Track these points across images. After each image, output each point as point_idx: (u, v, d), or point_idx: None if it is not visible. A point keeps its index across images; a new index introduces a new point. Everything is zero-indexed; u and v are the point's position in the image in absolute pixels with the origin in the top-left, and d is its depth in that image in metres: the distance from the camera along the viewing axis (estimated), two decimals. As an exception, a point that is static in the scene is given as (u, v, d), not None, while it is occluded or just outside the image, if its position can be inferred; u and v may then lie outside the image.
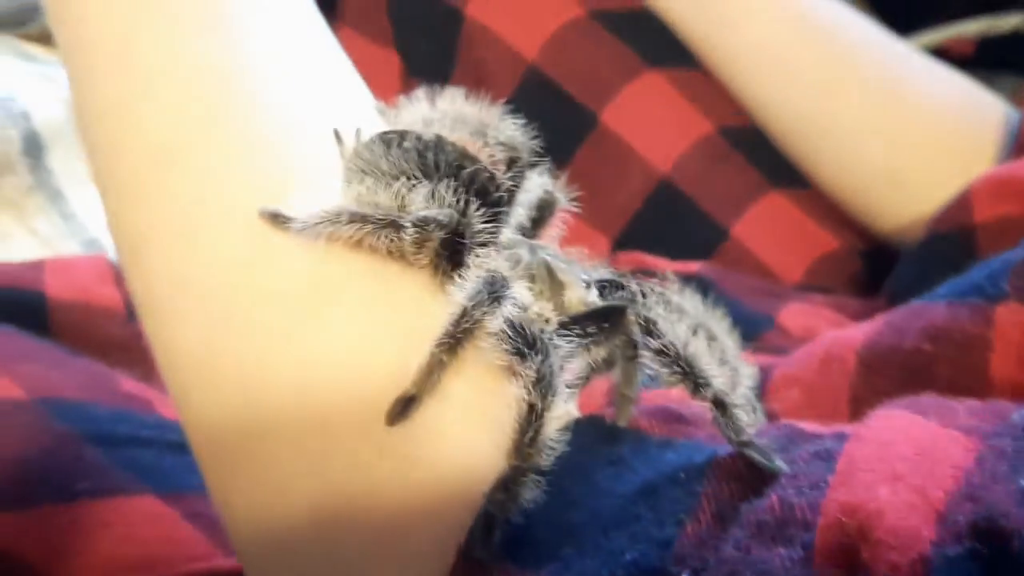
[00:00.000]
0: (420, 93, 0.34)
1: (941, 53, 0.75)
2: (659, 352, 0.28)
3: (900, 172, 0.63)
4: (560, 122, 0.69)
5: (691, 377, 0.28)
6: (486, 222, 0.30)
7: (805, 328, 0.59)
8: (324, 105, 0.34)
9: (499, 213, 0.30)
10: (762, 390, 0.48)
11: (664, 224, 0.67)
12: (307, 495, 0.29)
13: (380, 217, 0.28)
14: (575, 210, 0.34)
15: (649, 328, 0.28)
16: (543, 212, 0.33)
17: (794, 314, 0.60)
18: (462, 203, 0.29)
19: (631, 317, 0.29)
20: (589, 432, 0.30)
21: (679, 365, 0.28)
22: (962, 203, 0.54)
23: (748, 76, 0.67)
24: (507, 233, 0.31)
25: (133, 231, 0.32)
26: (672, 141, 0.68)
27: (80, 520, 0.40)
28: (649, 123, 0.68)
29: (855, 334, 0.46)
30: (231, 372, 0.30)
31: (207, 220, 0.31)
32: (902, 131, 0.63)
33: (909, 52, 0.66)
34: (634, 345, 0.29)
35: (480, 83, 0.71)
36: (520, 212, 0.32)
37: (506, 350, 0.28)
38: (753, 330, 0.59)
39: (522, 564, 0.26)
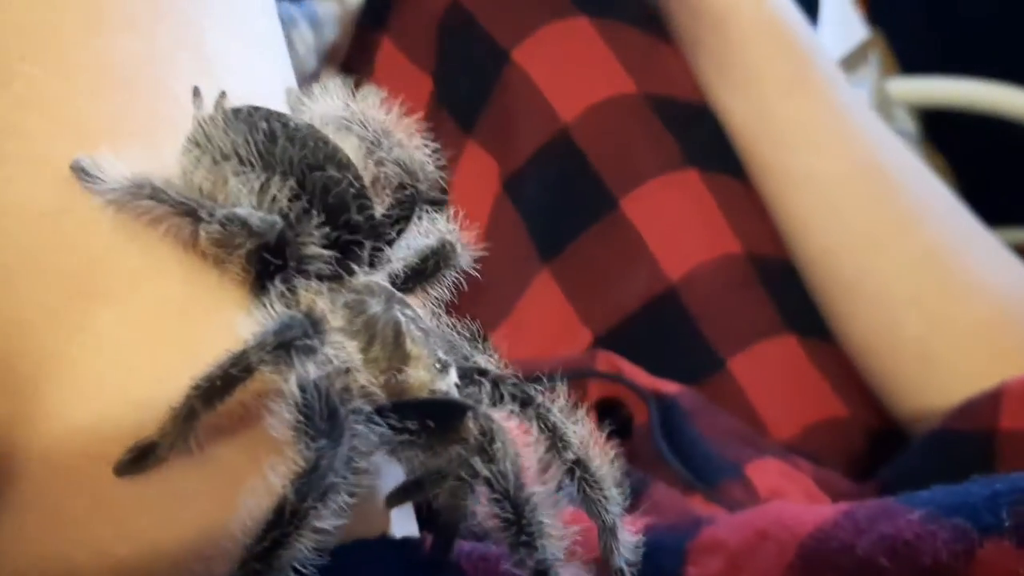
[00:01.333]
0: (337, 84, 0.27)
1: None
2: (488, 482, 0.20)
3: (933, 351, 0.55)
4: (576, 195, 0.62)
5: (517, 528, 0.20)
6: (328, 246, 0.22)
7: (773, 491, 0.50)
8: (213, 57, 0.27)
9: (353, 243, 0.23)
10: (684, 549, 0.40)
11: (657, 335, 0.59)
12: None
13: (178, 200, 0.21)
14: (474, 274, 0.26)
15: (486, 445, 0.20)
16: (432, 265, 0.25)
17: (766, 471, 0.51)
18: (298, 213, 0.22)
19: (470, 424, 0.21)
20: (383, 560, 0.22)
21: (509, 506, 0.20)
22: (990, 401, 0.46)
23: (795, 208, 0.60)
24: (361, 274, 0.23)
25: None
26: (691, 250, 0.60)
27: None
28: (672, 224, 0.61)
29: (806, 518, 0.37)
30: None
31: (22, 149, 0.24)
32: (945, 309, 0.55)
33: (978, 232, 0.59)
34: (467, 463, 0.21)
35: (506, 130, 0.65)
36: (398, 255, 0.25)
37: (286, 419, 0.20)
38: (714, 476, 0.51)
39: None
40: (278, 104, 0.28)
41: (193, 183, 0.22)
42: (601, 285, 0.60)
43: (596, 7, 0.64)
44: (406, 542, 0.23)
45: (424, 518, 0.25)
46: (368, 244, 0.23)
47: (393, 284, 0.25)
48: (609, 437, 0.53)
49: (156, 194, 0.21)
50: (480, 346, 0.26)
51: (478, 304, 0.65)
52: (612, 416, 0.54)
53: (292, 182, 0.22)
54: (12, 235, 0.23)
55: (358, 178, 0.23)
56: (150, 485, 0.21)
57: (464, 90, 0.66)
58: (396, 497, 0.24)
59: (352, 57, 0.71)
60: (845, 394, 0.58)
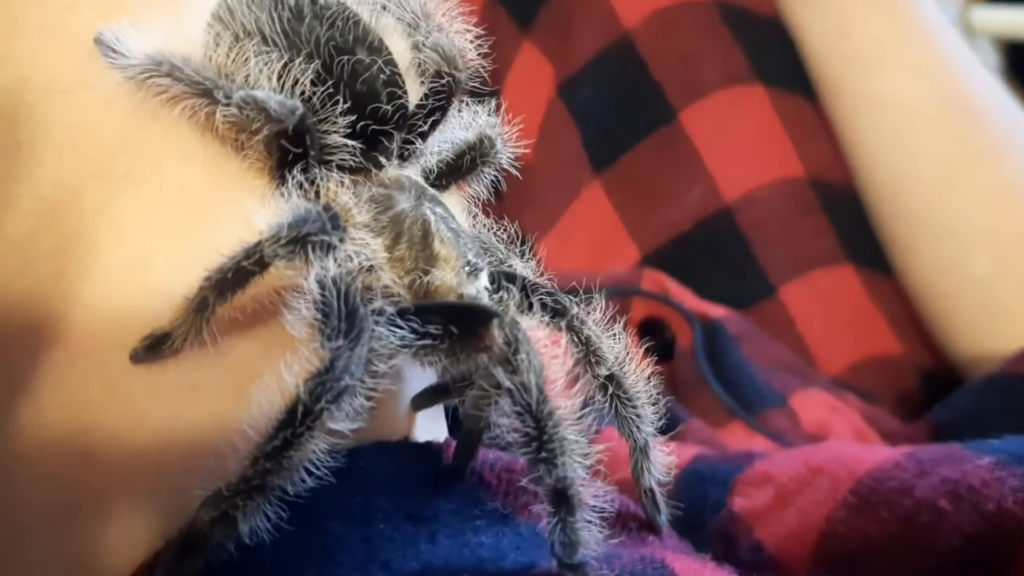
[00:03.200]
0: None
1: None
2: (511, 393, 0.19)
3: (999, 293, 0.52)
4: (634, 104, 0.59)
5: (537, 444, 0.19)
6: (354, 136, 0.21)
7: (819, 423, 0.49)
8: None
9: (381, 133, 0.21)
10: (732, 480, 0.39)
11: (708, 256, 0.57)
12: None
13: (194, 80, 0.20)
14: (515, 173, 0.25)
15: (510, 355, 0.19)
16: (469, 161, 0.24)
17: (812, 403, 0.50)
18: (321, 98, 0.20)
19: (495, 331, 0.20)
20: (399, 463, 0.21)
21: (531, 419, 0.19)
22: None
23: (868, 132, 0.56)
24: (391, 167, 0.22)
25: None
26: (750, 170, 0.57)
27: None
28: (732, 141, 0.58)
29: (866, 456, 0.36)
30: None
31: (47, 20, 0.23)
32: (1017, 250, 0.52)
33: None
34: (489, 372, 0.20)
35: (564, 32, 0.62)
36: (432, 148, 0.23)
37: (304, 316, 0.19)
38: (757, 404, 0.49)
39: None
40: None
41: (215, 62, 0.21)
42: (653, 200, 0.58)
43: None
44: (427, 447, 0.22)
45: (452, 424, 0.25)
46: (398, 136, 0.22)
47: (426, 179, 0.23)
48: (650, 356, 0.52)
49: (173, 71, 0.20)
50: (518, 250, 0.25)
51: (524, 210, 0.63)
52: (655, 336, 0.52)
53: (317, 64, 0.20)
54: (36, 110, 0.22)
55: (390, 63, 0.22)
56: (165, 375, 0.20)
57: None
58: (420, 400, 0.23)
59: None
60: (900, 331, 0.56)
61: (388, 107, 0.21)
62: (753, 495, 0.38)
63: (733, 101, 0.58)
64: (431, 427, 0.24)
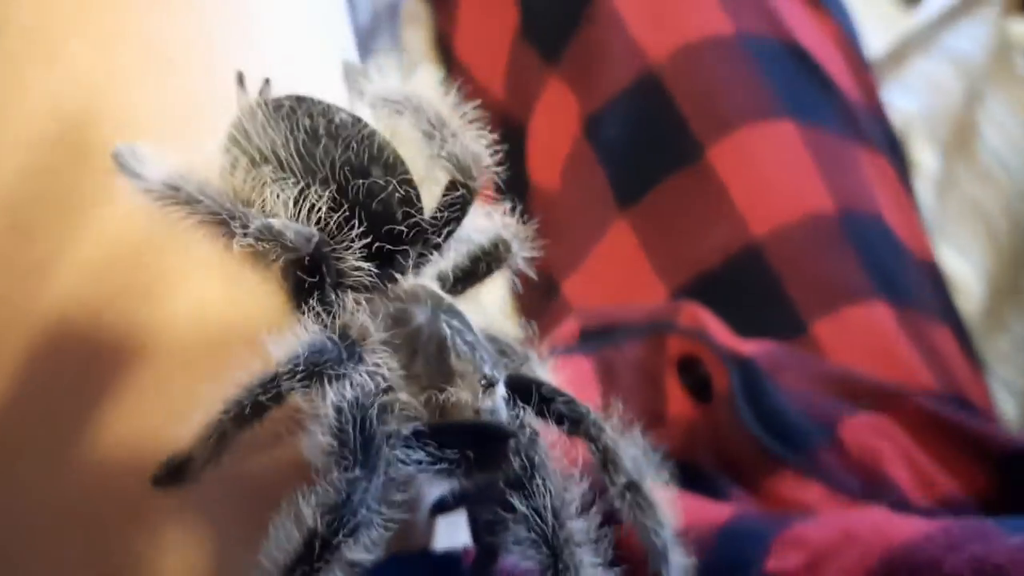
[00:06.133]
0: (393, 64, 0.25)
1: None
2: (527, 519, 0.19)
3: None
4: (660, 140, 0.59)
5: (553, 570, 0.19)
6: (368, 256, 0.21)
7: (867, 450, 0.48)
8: (261, 35, 0.25)
9: (398, 252, 0.22)
10: (770, 540, 0.39)
11: (736, 293, 0.57)
12: None
13: (211, 209, 0.20)
14: (530, 274, 0.25)
15: (525, 480, 0.19)
16: (484, 267, 0.24)
17: (860, 428, 0.49)
18: (338, 223, 0.21)
19: (511, 455, 0.20)
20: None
21: (546, 547, 0.19)
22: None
23: None
24: (407, 279, 0.22)
25: None
26: (779, 205, 0.57)
27: None
28: (760, 176, 0.57)
29: (900, 526, 0.36)
30: None
31: (64, 134, 0.23)
32: None
33: None
34: (505, 498, 0.20)
35: (590, 67, 0.61)
36: (448, 253, 0.23)
37: (320, 443, 0.19)
38: (803, 442, 0.49)
39: None
40: (332, 82, 0.26)
41: (232, 184, 0.21)
42: (680, 237, 0.58)
43: None
44: (446, 558, 0.22)
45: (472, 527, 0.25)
46: (413, 251, 0.22)
47: (442, 284, 0.23)
48: (689, 398, 0.51)
49: (190, 199, 0.20)
50: (535, 352, 0.25)
51: (550, 246, 0.63)
52: (695, 374, 0.52)
53: (333, 189, 0.21)
54: (54, 225, 0.22)
55: (405, 181, 0.22)
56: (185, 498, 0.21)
57: (550, 21, 0.63)
58: (438, 508, 0.23)
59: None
60: (936, 366, 0.55)
61: (403, 227, 0.21)
62: (787, 557, 0.38)
63: (761, 136, 0.57)
64: (451, 531, 0.24)
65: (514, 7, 0.65)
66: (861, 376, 0.52)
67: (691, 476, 0.47)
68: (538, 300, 0.63)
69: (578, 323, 0.55)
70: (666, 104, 0.58)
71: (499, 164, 0.23)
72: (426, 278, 0.23)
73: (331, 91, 0.25)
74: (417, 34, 0.67)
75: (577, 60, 0.61)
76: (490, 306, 0.69)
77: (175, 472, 0.20)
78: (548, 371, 0.24)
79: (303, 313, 0.20)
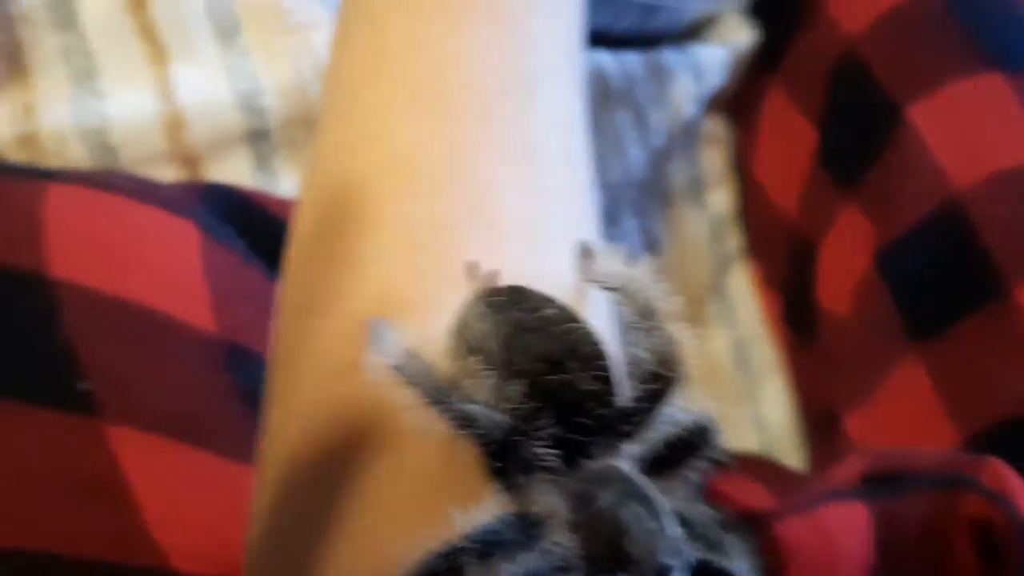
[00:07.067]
0: (619, 252, 0.27)
1: None
2: None
3: None
4: (961, 275, 0.55)
5: None
6: (558, 444, 0.23)
7: None
8: (500, 223, 0.29)
9: (588, 444, 0.24)
10: None
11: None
12: None
13: (430, 389, 0.23)
14: (730, 464, 0.25)
15: None
16: (680, 457, 0.25)
17: None
18: (530, 412, 0.23)
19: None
20: None
21: None
22: None
23: None
24: (600, 461, 0.24)
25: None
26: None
27: None
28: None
29: None
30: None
31: (333, 304, 0.28)
32: None
33: None
34: None
35: (889, 194, 0.59)
36: (642, 440, 0.25)
37: (492, 615, 0.22)
38: None
39: None
40: (561, 262, 0.29)
41: (450, 368, 0.24)
42: (979, 380, 0.54)
43: (1013, 61, 0.56)
44: None
45: None
46: (603, 440, 0.24)
47: (639, 465, 0.25)
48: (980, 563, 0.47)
49: (412, 378, 0.23)
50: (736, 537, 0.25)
51: (834, 379, 0.61)
52: (985, 535, 0.48)
53: (527, 381, 0.23)
54: (314, 381, 0.27)
55: (601, 373, 0.24)
56: None
57: (850, 147, 0.62)
58: None
59: (739, 102, 0.70)
60: None
61: (590, 421, 0.23)
62: None
63: None
64: None
65: (814, 132, 0.64)
66: None
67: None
68: (818, 431, 0.61)
69: (860, 465, 0.52)
70: (970, 234, 0.55)
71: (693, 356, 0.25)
72: (621, 460, 0.24)
73: (563, 275, 0.28)
74: (715, 155, 0.69)
75: (875, 187, 0.59)
76: (772, 425, 0.68)
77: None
78: (744, 556, 0.24)
79: (495, 491, 0.23)
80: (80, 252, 0.39)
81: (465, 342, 0.24)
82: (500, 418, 0.23)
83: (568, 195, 0.30)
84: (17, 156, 0.48)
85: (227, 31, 0.53)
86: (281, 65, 0.52)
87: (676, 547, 0.23)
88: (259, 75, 0.52)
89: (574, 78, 0.32)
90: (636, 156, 0.64)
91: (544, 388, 0.23)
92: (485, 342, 0.24)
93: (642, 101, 0.64)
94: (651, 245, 0.66)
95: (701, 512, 0.25)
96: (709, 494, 0.48)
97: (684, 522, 0.25)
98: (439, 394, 0.23)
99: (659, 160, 0.65)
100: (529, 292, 0.25)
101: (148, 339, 0.38)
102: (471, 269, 0.26)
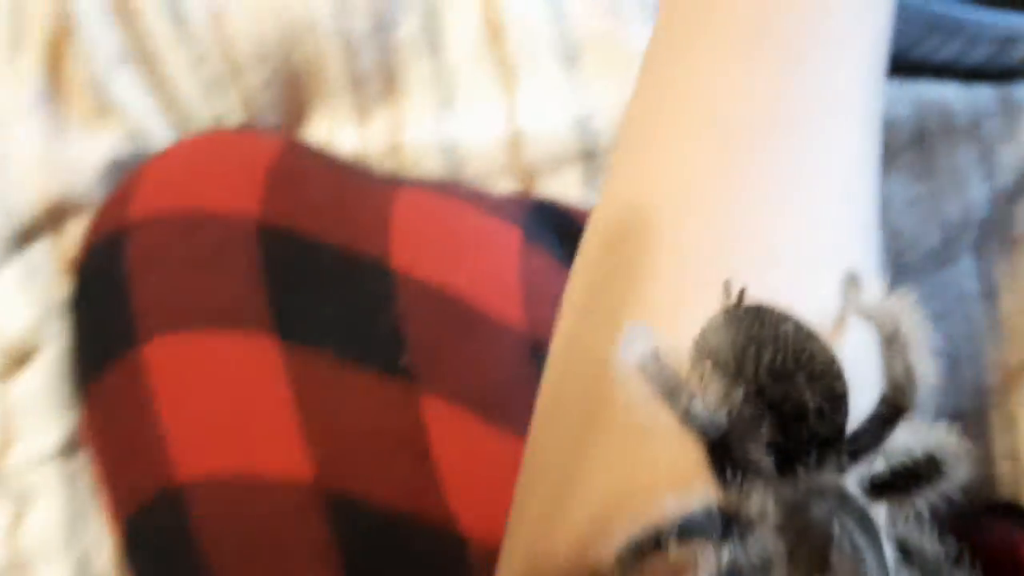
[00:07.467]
0: (882, 285, 0.28)
1: None
2: None
3: None
4: None
5: None
6: (776, 452, 0.24)
7: None
8: (766, 249, 0.30)
9: (807, 456, 0.24)
10: None
11: None
12: None
13: (663, 388, 0.25)
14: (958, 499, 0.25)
15: None
16: (909, 482, 0.25)
17: None
18: (749, 418, 0.24)
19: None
20: None
21: None
22: None
23: None
24: (824, 474, 0.25)
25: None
26: None
27: None
28: None
29: None
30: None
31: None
32: None
33: None
34: None
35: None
36: (867, 463, 0.25)
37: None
38: None
39: None
40: (826, 290, 0.29)
41: (689, 373, 0.26)
42: None
43: None
44: None
45: None
46: (825, 455, 0.24)
47: (863, 486, 0.25)
48: None
49: (651, 377, 0.26)
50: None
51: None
52: None
53: (752, 389, 0.24)
54: (584, 375, 0.30)
55: (827, 393, 0.24)
56: None
57: None
58: None
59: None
60: None
61: (810, 435, 0.24)
62: None
63: None
64: None
65: None
66: None
67: None
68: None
69: None
70: None
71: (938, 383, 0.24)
72: (841, 477, 0.25)
73: (826, 301, 0.29)
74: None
75: None
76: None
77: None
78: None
79: (711, 486, 0.24)
80: (416, 247, 0.45)
81: (703, 350, 0.26)
82: (718, 419, 0.24)
83: (842, 228, 0.31)
84: (385, 165, 0.56)
85: (570, 59, 0.58)
86: (613, 89, 0.56)
87: (883, 566, 0.24)
88: (594, 99, 0.57)
89: (864, 116, 0.32)
90: (979, 194, 0.60)
91: (769, 397, 0.24)
92: (720, 351, 0.26)
93: (990, 137, 0.60)
94: (988, 291, 0.61)
95: (928, 543, 0.25)
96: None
97: (904, 549, 0.25)
98: (671, 393, 0.25)
99: (1005, 200, 0.61)
100: (770, 309, 0.26)
101: (463, 325, 0.44)
102: (727, 287, 0.28)
